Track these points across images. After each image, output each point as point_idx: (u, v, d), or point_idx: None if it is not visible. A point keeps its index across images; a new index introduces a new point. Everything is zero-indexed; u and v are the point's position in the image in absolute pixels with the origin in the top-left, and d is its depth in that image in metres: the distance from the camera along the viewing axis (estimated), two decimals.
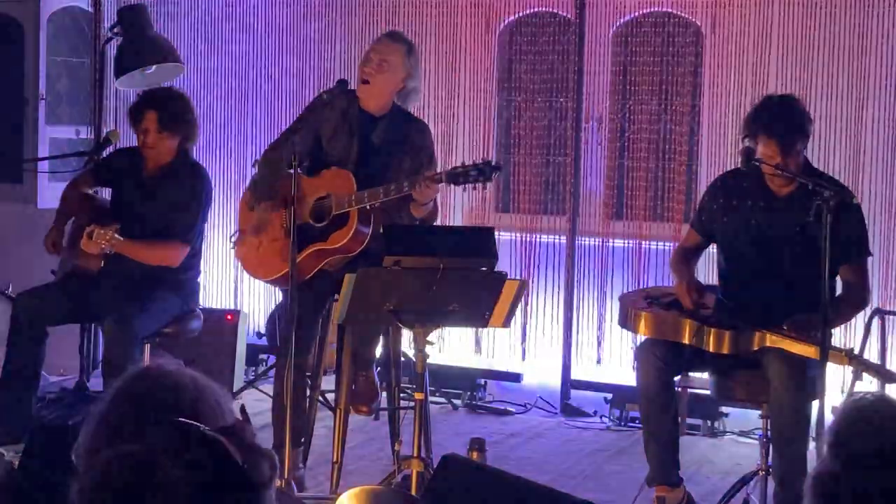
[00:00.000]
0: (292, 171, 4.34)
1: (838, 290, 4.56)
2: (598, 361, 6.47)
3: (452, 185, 4.47)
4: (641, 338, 4.63)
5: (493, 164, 4.38)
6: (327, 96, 4.69)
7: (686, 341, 4.32)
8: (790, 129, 4.37)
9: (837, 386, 5.58)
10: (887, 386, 4.39)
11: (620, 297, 4.84)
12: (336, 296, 4.36)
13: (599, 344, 6.48)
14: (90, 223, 5.07)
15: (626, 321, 4.57)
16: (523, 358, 6.64)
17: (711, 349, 4.29)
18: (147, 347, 5.25)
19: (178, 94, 5.49)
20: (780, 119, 4.38)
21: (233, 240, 5.12)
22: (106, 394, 1.81)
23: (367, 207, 4.62)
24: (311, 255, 4.65)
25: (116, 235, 4.97)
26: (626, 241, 6.44)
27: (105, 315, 5.11)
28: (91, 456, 1.70)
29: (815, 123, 4.56)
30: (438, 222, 6.33)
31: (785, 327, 4.21)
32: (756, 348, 4.28)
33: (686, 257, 4.77)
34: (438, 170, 4.74)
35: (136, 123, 5.32)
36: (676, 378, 4.60)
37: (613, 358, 6.45)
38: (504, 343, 6.68)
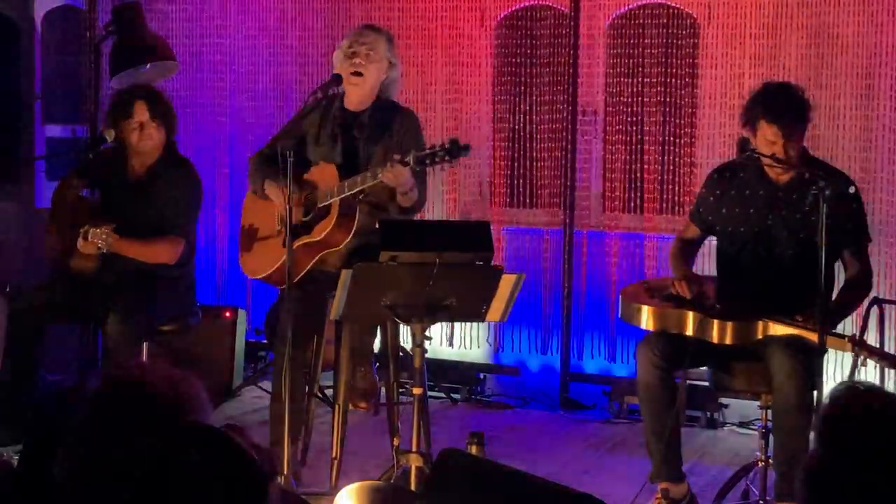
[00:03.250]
0: (285, 169, 4.34)
1: (837, 278, 4.57)
2: (596, 355, 6.47)
3: (421, 167, 4.46)
4: (643, 329, 4.62)
5: (461, 144, 4.38)
6: (322, 91, 4.70)
7: (689, 333, 4.32)
8: (791, 114, 4.37)
9: (839, 376, 5.59)
10: (889, 372, 4.40)
11: (621, 290, 4.84)
12: (333, 292, 4.35)
13: (597, 337, 6.48)
14: (84, 225, 5.04)
15: (628, 314, 4.56)
16: (519, 351, 6.63)
17: (715, 340, 4.29)
18: (146, 345, 5.25)
19: (158, 91, 5.48)
20: (781, 104, 4.39)
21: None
22: (77, 414, 1.80)
23: (351, 198, 4.63)
24: (300, 249, 4.66)
25: (112, 234, 4.95)
26: (622, 234, 6.43)
27: (105, 314, 5.10)
28: (80, 474, 1.69)
29: (812, 113, 4.55)
30: (434, 217, 6.39)
31: (800, 319, 4.20)
32: (759, 337, 4.27)
33: (684, 250, 4.77)
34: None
35: (127, 118, 5.26)
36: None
37: (611, 351, 6.44)
38: (502, 337, 6.67)
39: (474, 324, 6.55)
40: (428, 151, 4.40)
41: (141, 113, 5.23)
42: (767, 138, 4.36)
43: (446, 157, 4.35)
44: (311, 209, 4.76)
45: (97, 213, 5.29)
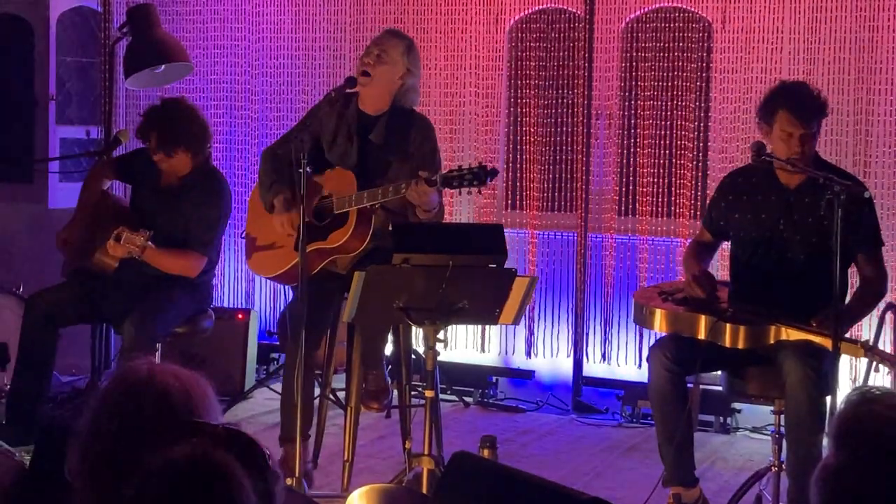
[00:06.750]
0: (300, 169, 4.33)
1: (850, 282, 4.55)
2: (609, 359, 6.45)
3: (446, 188, 4.47)
4: (655, 333, 4.61)
5: (489, 168, 4.37)
6: (335, 93, 4.70)
7: (702, 336, 4.30)
8: (810, 104, 4.38)
9: (853, 381, 5.57)
10: None
11: (634, 293, 4.82)
12: (346, 294, 4.35)
13: (610, 341, 6.46)
14: (117, 225, 5.00)
15: (641, 318, 4.55)
16: (531, 354, 6.62)
17: (727, 344, 4.27)
18: (159, 347, 5.25)
19: (179, 112, 5.31)
20: (800, 95, 4.40)
21: (243, 236, 5.15)
22: (88, 413, 1.80)
23: (368, 208, 4.63)
24: (311, 253, 4.66)
25: (149, 243, 4.92)
26: (635, 237, 6.42)
27: (121, 316, 5.10)
28: (97, 475, 1.69)
29: (828, 110, 4.55)
30: (447, 220, 6.37)
31: (814, 324, 4.18)
32: (772, 342, 4.26)
33: (697, 252, 4.74)
34: (442, 169, 4.74)
35: (146, 140, 5.30)
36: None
37: (625, 355, 6.43)
38: (515, 340, 6.66)
39: (487, 327, 6.55)
40: (455, 174, 4.39)
41: (153, 141, 5.24)
42: (785, 129, 4.34)
43: (474, 182, 4.36)
44: (325, 214, 4.75)
45: (128, 215, 5.27)
